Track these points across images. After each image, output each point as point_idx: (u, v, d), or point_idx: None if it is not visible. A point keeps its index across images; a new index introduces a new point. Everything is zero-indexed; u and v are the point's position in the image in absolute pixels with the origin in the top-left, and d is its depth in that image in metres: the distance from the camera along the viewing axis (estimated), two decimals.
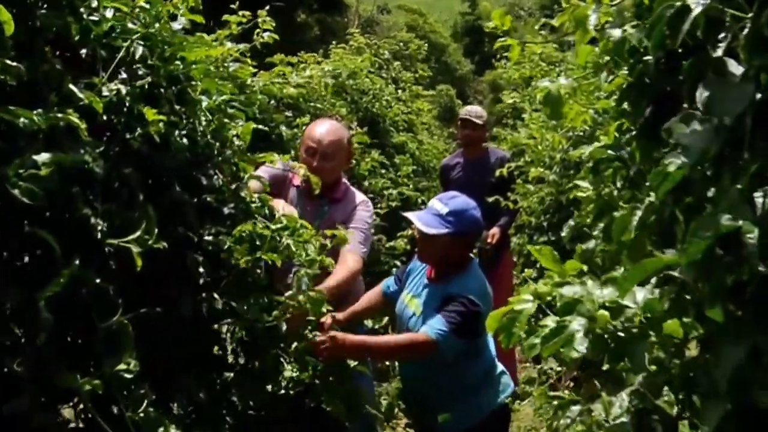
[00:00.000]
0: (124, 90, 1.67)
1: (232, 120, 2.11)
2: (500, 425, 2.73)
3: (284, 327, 2.08)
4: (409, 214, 2.68)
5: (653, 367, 1.09)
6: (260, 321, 2.02)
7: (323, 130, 3.01)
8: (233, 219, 2.04)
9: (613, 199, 1.62)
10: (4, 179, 1.32)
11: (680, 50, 1.27)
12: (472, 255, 2.76)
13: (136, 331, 1.53)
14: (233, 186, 2.09)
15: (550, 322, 1.14)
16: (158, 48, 1.83)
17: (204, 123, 2.00)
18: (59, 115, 1.40)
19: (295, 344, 2.18)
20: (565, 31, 1.67)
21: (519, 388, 4.81)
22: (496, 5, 31.83)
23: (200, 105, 1.98)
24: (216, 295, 1.93)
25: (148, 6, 1.80)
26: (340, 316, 2.63)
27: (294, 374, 2.20)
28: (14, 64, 1.36)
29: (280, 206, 2.33)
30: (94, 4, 1.69)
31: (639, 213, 1.28)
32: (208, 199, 1.98)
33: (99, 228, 1.51)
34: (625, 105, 1.60)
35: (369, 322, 3.08)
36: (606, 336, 1.10)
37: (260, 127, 2.38)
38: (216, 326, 2.04)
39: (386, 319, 3.14)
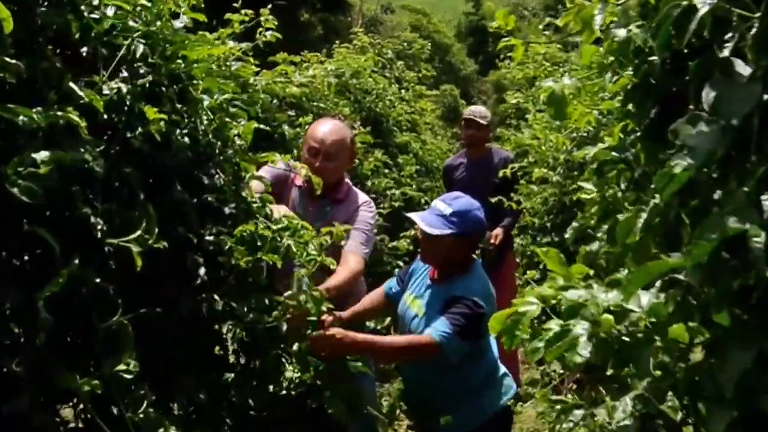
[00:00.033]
0: (124, 88, 1.66)
1: (233, 119, 2.11)
2: (502, 427, 2.72)
3: (284, 327, 2.07)
4: (413, 215, 2.67)
5: (658, 373, 1.07)
6: (261, 321, 2.02)
7: (326, 130, 2.99)
8: (234, 219, 2.03)
9: (618, 201, 1.61)
10: (3, 178, 1.31)
11: (685, 50, 1.26)
12: (474, 256, 2.74)
13: (136, 331, 1.53)
14: (234, 186, 2.08)
15: (554, 325, 1.13)
16: (159, 46, 1.82)
17: (205, 122, 2.00)
18: (59, 113, 1.39)
19: (296, 345, 2.18)
20: (569, 31, 1.66)
21: (521, 390, 4.79)
22: (500, 5, 31.83)
23: (202, 104, 1.97)
24: (216, 296, 1.92)
25: (149, 4, 1.79)
26: (342, 315, 2.62)
27: (295, 375, 2.19)
28: (13, 61, 1.35)
29: (279, 212, 2.31)
30: (95, 1, 1.69)
31: (644, 215, 1.27)
32: (209, 198, 1.97)
33: (99, 227, 1.50)
34: (630, 106, 1.59)
35: (371, 323, 3.07)
36: (610, 340, 1.09)
37: (262, 126, 2.37)
38: (217, 326, 2.03)
39: (388, 320, 3.13)
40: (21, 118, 1.34)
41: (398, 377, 3.19)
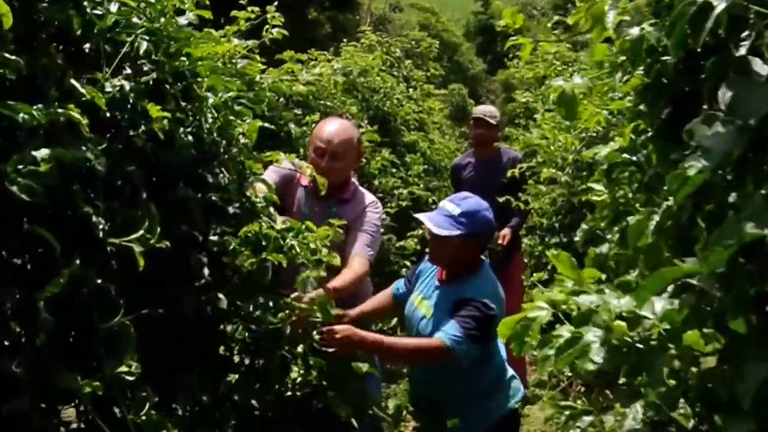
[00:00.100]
0: (128, 86, 1.64)
1: (239, 117, 2.08)
2: (510, 431, 2.69)
3: (288, 328, 2.05)
4: (421, 216, 2.64)
5: (672, 382, 1.04)
6: (265, 321, 2.00)
7: (332, 129, 2.96)
8: (238, 218, 2.01)
9: (629, 203, 1.58)
10: (3, 176, 1.29)
11: (699, 49, 1.23)
12: (483, 256, 2.71)
13: (138, 331, 1.50)
14: (238, 185, 2.06)
15: (565, 332, 1.10)
16: (164, 43, 1.80)
17: (210, 120, 1.97)
18: (60, 110, 1.37)
19: (301, 346, 2.16)
20: (579, 30, 1.63)
21: (529, 392, 4.77)
22: (508, 4, 31.75)
23: (206, 102, 1.95)
24: (220, 296, 1.90)
25: (153, 0, 1.77)
26: (350, 313, 2.60)
27: (300, 376, 2.17)
28: (13, 57, 1.33)
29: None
30: None
31: (656, 218, 1.24)
32: (214, 197, 1.94)
33: (101, 226, 1.49)
34: (642, 106, 1.56)
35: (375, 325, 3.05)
36: (623, 348, 1.06)
37: (267, 125, 2.35)
38: (221, 327, 2.01)
39: (394, 320, 3.11)
40: (21, 115, 1.32)
41: (404, 378, 3.17)
